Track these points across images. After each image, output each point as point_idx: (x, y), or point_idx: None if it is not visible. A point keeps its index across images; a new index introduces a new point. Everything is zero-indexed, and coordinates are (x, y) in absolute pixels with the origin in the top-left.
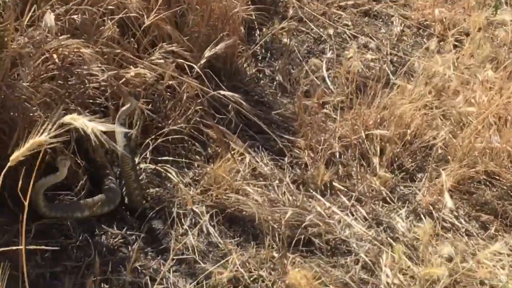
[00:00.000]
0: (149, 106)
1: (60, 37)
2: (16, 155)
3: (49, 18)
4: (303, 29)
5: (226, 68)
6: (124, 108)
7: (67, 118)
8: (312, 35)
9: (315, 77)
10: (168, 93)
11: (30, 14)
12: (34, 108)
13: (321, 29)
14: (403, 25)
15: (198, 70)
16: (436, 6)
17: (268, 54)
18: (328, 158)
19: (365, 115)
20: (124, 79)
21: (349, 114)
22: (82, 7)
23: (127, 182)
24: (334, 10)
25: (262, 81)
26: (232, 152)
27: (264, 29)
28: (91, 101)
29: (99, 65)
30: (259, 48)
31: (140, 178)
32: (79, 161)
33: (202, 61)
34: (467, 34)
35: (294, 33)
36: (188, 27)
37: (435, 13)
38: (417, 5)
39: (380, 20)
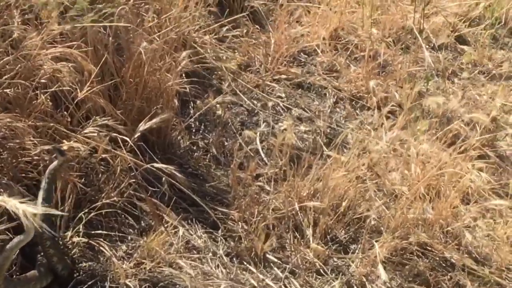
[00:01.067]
0: (82, 180)
1: None
2: None
3: None
4: (237, 101)
5: (160, 141)
6: (51, 166)
7: None
8: (246, 107)
9: (249, 149)
10: (101, 167)
11: None
12: None
13: (254, 102)
14: (336, 97)
15: (132, 144)
16: (369, 78)
17: (202, 127)
18: (262, 230)
19: (299, 187)
20: None
21: (283, 186)
22: (15, 81)
23: (46, 255)
24: (267, 83)
25: (196, 154)
26: (166, 225)
27: (198, 102)
28: (23, 175)
29: (32, 139)
30: (193, 120)
31: (68, 251)
32: (11, 236)
33: (136, 135)
34: (400, 106)
35: (228, 105)
36: (121, 101)
37: (367, 85)
38: (350, 77)
39: (314, 92)
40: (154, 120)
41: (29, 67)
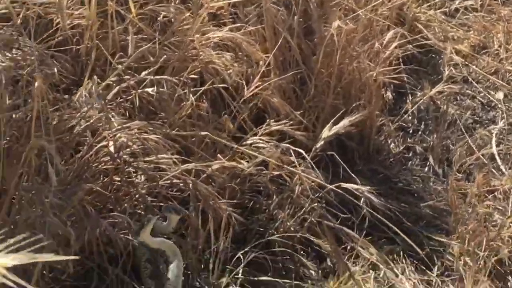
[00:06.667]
0: (250, 203)
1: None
2: None
3: None
4: (469, 92)
5: (361, 147)
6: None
7: None
8: (480, 99)
9: (481, 154)
10: (274, 187)
11: None
12: None
13: (491, 92)
14: None
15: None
16: None
17: (422, 126)
18: (493, 267)
19: None
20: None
21: None
22: (161, 77)
23: None
24: (508, 67)
25: (410, 162)
26: (361, 264)
27: (418, 94)
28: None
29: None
30: (409, 119)
31: None
32: None
33: (319, 144)
34: None
35: (458, 97)
36: (309, 96)
37: None
38: None
39: None
40: (342, 123)
41: (181, 57)
